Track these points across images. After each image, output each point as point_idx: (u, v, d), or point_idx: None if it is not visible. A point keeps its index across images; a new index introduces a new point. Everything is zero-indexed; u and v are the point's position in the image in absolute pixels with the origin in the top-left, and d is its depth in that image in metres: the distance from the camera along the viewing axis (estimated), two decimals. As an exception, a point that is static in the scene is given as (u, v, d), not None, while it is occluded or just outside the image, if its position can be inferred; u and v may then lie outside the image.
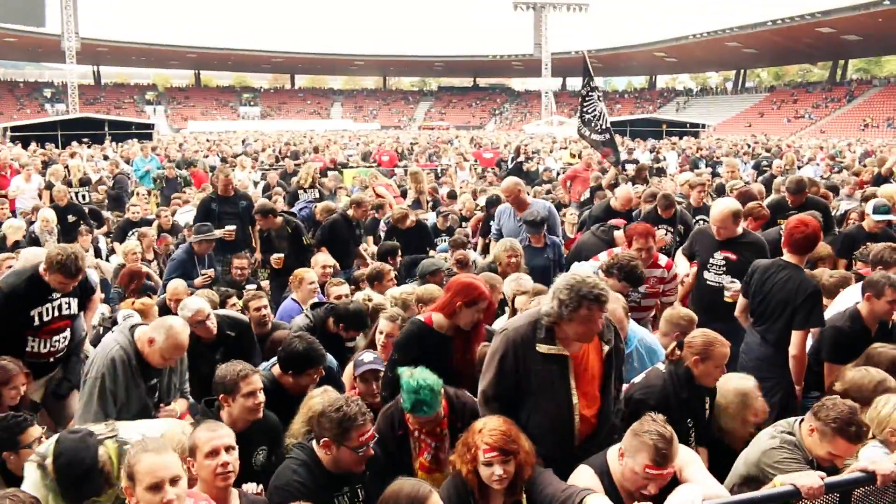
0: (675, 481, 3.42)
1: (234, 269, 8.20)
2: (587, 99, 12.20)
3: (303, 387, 4.51)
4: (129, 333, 4.61)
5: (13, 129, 34.35)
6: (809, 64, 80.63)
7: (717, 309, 6.12)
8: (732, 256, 6.41)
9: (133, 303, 6.95)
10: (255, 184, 17.39)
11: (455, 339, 4.51)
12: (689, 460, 3.50)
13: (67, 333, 5.56)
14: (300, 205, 10.73)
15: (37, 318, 5.22)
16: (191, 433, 3.48)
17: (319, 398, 4.13)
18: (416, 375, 3.74)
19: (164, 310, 7.14)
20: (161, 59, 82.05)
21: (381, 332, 5.19)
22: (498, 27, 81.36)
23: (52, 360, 5.47)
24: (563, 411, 3.67)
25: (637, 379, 4.33)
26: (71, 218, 10.86)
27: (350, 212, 9.14)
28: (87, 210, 11.66)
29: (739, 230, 6.50)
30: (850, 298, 5.61)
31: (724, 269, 6.42)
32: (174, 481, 2.92)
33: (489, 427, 3.37)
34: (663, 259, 6.53)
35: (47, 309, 5.32)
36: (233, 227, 8.89)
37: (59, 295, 5.37)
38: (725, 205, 6.52)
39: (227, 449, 3.38)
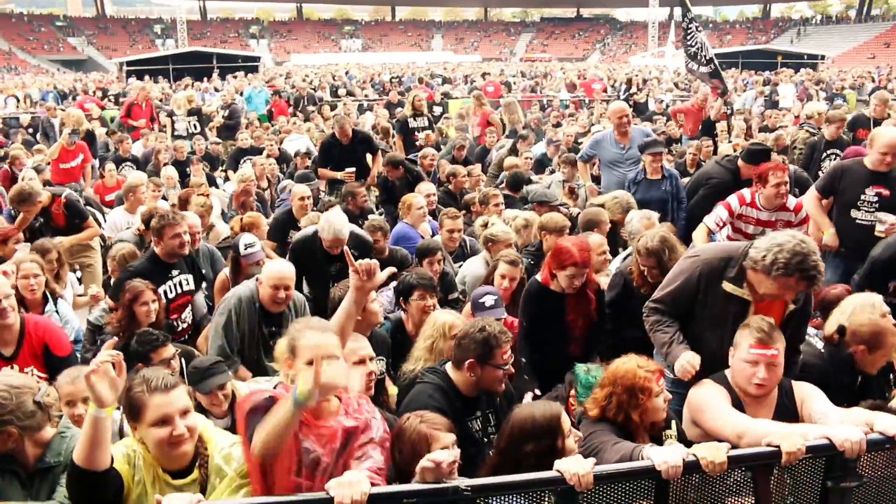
0: (795, 416, 3.43)
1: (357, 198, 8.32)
2: (688, 31, 11.77)
3: None
4: (255, 283, 5.01)
5: (128, 63, 35.51)
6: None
7: (866, 248, 5.77)
8: (885, 192, 6.06)
9: (241, 218, 7.23)
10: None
11: (569, 298, 4.77)
12: (809, 394, 3.48)
13: (189, 312, 5.86)
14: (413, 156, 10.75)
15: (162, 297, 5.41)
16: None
17: (441, 319, 4.20)
18: (592, 372, 3.92)
19: (283, 220, 7.44)
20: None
21: (502, 276, 5.32)
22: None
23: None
24: (724, 351, 3.63)
25: None
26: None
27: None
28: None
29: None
30: None
31: (877, 205, 6.10)
32: (332, 357, 2.89)
33: (639, 363, 3.38)
34: (792, 202, 6.25)
35: (170, 287, 5.60)
36: (352, 170, 9.19)
37: (177, 272, 5.67)
38: (894, 133, 6.11)
39: (372, 359, 3.48)
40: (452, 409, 3.58)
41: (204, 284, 6.20)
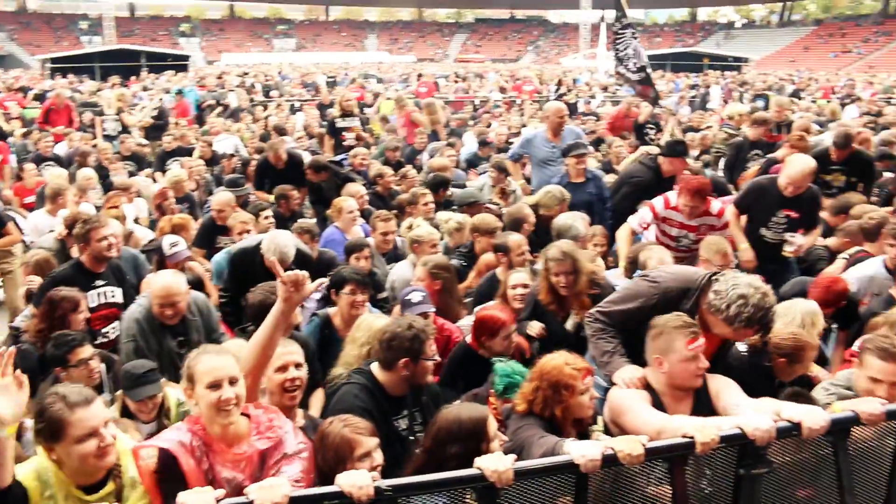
0: (711, 410, 3.50)
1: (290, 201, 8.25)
2: (619, 35, 11.84)
3: None
4: (149, 300, 4.82)
5: (52, 60, 34.48)
6: (861, -5, 77.66)
7: (770, 265, 6.07)
8: (794, 214, 6.27)
9: (171, 219, 7.09)
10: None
11: None
12: (723, 386, 3.58)
13: (116, 325, 5.53)
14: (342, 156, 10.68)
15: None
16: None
17: (371, 322, 4.21)
18: (510, 363, 3.97)
19: (209, 225, 7.31)
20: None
21: (513, 287, 5.18)
22: (536, -43, 79.20)
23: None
24: None
25: None
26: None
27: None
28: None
29: None
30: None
31: (785, 226, 6.29)
32: (232, 381, 2.97)
33: (567, 360, 3.44)
34: (716, 205, 6.42)
35: (92, 296, 5.38)
36: None
37: (102, 283, 5.49)
38: (805, 163, 6.26)
39: (297, 365, 3.47)
40: (379, 408, 3.62)
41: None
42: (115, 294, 5.59)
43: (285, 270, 4.05)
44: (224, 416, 2.93)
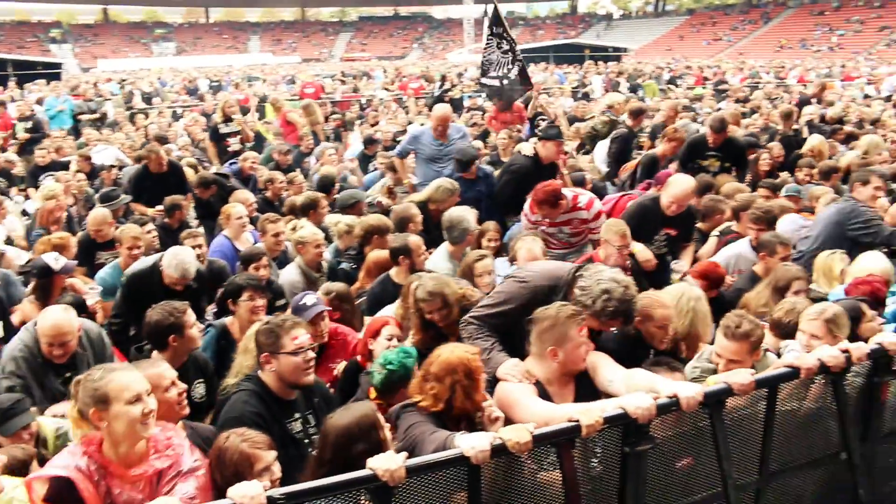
0: (592, 386, 3.68)
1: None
2: (488, 43, 11.94)
3: None
4: (34, 329, 4.48)
5: None
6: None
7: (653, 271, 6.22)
8: (673, 232, 6.43)
9: (49, 239, 6.79)
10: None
11: None
12: (598, 362, 3.74)
13: None
14: (227, 166, 10.44)
15: None
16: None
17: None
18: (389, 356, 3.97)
19: (87, 242, 7.03)
20: (65, -7, 77.59)
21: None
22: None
23: None
24: None
25: None
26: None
27: None
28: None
29: None
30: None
31: (666, 244, 6.45)
32: (149, 393, 2.98)
33: (468, 352, 3.50)
34: (584, 199, 6.59)
35: None
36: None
37: None
38: (689, 184, 6.44)
39: (174, 383, 3.42)
40: (270, 412, 3.61)
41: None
42: None
43: (185, 287, 3.95)
44: (146, 429, 2.93)
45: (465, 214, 6.28)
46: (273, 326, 3.71)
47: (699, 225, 7.00)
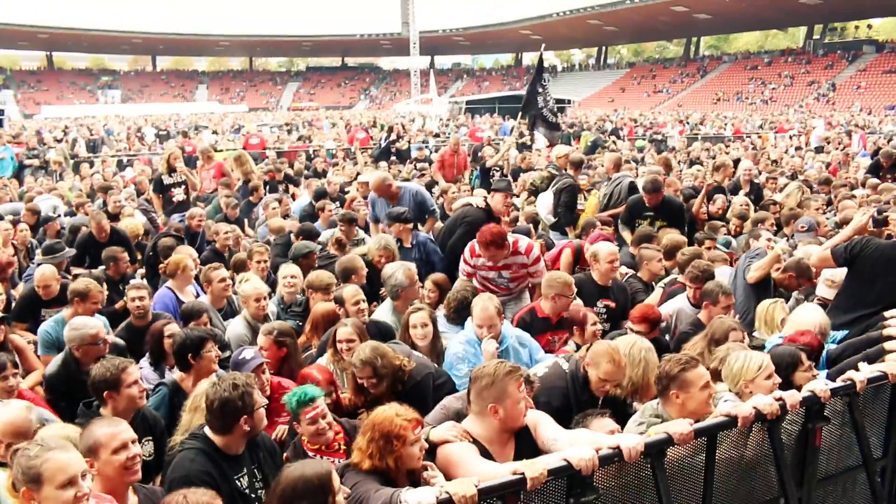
0: (532, 444, 3.70)
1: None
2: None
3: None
4: None
5: None
6: (666, 41, 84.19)
7: None
8: (612, 304, 6.50)
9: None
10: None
11: None
12: (538, 419, 3.78)
13: None
14: (177, 217, 10.34)
15: None
16: (85, 433, 3.39)
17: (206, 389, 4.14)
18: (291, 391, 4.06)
19: (32, 299, 6.85)
20: (9, 39, 76.38)
21: (340, 341, 5.16)
22: (366, 5, 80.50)
23: None
24: None
25: (538, 372, 4.52)
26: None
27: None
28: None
29: None
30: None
31: (606, 316, 6.47)
32: (84, 476, 2.90)
33: (398, 411, 3.50)
34: (523, 244, 6.71)
35: None
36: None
37: None
38: (609, 251, 6.57)
39: (133, 442, 3.37)
40: (218, 469, 3.58)
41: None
42: None
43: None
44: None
45: (395, 270, 6.32)
46: (245, 389, 3.71)
47: (639, 274, 7.19)
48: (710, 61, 71.72)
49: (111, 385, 4.15)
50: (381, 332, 5.53)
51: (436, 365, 5.10)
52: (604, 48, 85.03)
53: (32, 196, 12.25)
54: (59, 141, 23.30)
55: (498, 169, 13.66)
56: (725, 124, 31.17)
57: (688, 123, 31.14)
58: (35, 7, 73.29)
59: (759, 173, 12.74)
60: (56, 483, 2.85)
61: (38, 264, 7.66)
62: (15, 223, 10.28)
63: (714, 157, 16.40)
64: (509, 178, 12.32)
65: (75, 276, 8.05)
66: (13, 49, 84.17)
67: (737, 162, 12.89)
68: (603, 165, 12.82)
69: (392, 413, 3.48)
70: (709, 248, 7.72)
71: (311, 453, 3.99)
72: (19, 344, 5.89)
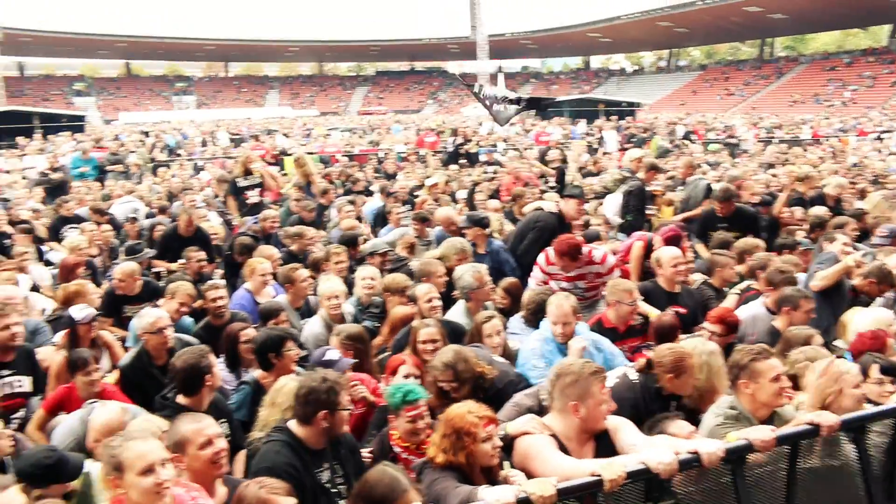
0: (612, 448, 3.69)
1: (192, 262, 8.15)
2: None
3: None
4: (87, 419, 4.48)
5: (-63, 124, 32.93)
6: (739, 42, 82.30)
7: None
8: (683, 310, 6.25)
9: (66, 287, 6.89)
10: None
11: None
12: (619, 425, 3.77)
13: (22, 414, 5.32)
14: (251, 219, 10.56)
15: None
16: (172, 429, 3.51)
17: (291, 384, 4.24)
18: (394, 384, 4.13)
19: (114, 296, 7.11)
20: (89, 48, 79.43)
21: (424, 341, 5.18)
22: (434, 10, 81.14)
23: None
24: None
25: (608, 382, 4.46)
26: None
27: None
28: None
29: None
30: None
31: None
32: (164, 463, 3.01)
33: (470, 408, 3.53)
34: (598, 253, 6.71)
35: None
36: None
37: (9, 373, 5.27)
38: (674, 253, 6.47)
39: (219, 437, 3.47)
40: (301, 462, 3.67)
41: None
42: (23, 383, 5.38)
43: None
44: (160, 499, 2.99)
45: (464, 272, 6.35)
46: (333, 385, 3.79)
47: (711, 280, 7.04)
48: (785, 62, 69.79)
49: (206, 370, 4.34)
50: (452, 333, 5.55)
51: (517, 372, 5.09)
52: (674, 50, 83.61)
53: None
54: (141, 144, 24.03)
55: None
56: (802, 127, 30.31)
57: (762, 127, 30.35)
58: (114, 17, 76.51)
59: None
60: (136, 470, 3.00)
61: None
62: (132, 221, 10.73)
63: (785, 163, 16.01)
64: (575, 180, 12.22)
65: (158, 274, 8.37)
66: (94, 58, 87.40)
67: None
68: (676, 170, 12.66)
69: (464, 410, 3.52)
70: (790, 253, 7.49)
71: (398, 448, 4.05)
72: (108, 340, 6.13)
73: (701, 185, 9.86)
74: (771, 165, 15.94)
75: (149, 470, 3.01)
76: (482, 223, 7.91)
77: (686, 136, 25.57)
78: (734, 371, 4.06)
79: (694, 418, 4.39)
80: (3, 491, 2.79)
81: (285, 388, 4.39)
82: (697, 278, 7.08)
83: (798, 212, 9.32)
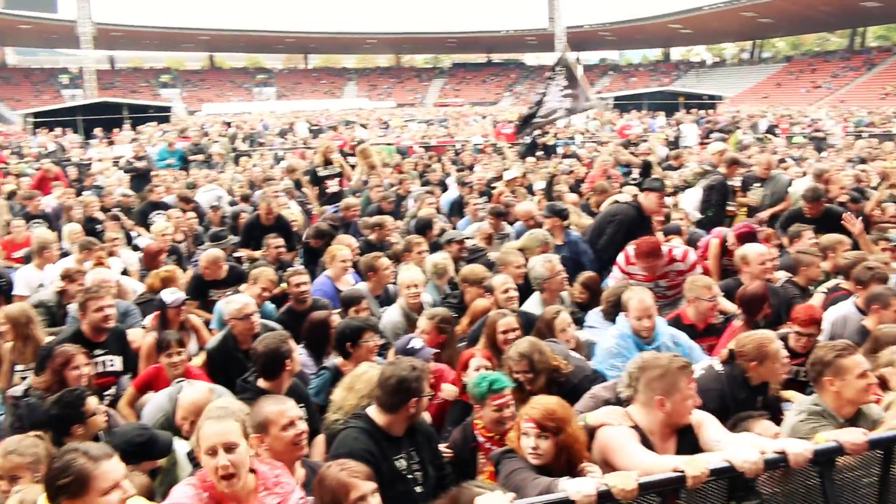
0: (695, 443, 3.63)
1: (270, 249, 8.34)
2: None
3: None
4: (175, 397, 4.67)
5: (35, 115, 34.43)
6: (827, 32, 79.37)
7: None
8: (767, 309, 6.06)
9: (158, 273, 7.16)
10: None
11: None
12: (704, 420, 3.70)
13: (113, 391, 5.63)
14: (331, 208, 10.73)
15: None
16: (255, 410, 3.60)
17: (372, 372, 4.31)
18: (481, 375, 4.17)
19: (199, 281, 7.35)
20: (174, 42, 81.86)
21: (504, 331, 5.21)
22: (512, 1, 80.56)
23: None
24: None
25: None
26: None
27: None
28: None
29: None
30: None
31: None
32: (230, 448, 3.04)
33: (538, 402, 3.55)
34: (679, 251, 6.64)
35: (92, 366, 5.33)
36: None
37: (102, 352, 5.54)
38: (761, 250, 6.38)
39: (300, 419, 3.57)
40: (379, 448, 3.74)
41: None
42: (115, 363, 5.66)
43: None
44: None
45: (536, 263, 6.34)
46: (421, 372, 3.88)
47: (795, 279, 6.84)
48: (878, 53, 66.92)
49: (285, 355, 4.44)
50: (528, 324, 5.54)
51: (593, 367, 5.06)
52: (758, 41, 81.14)
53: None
54: (223, 135, 24.65)
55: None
56: (894, 121, 29.10)
57: (851, 120, 29.27)
58: (199, 12, 78.86)
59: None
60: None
61: (205, 250, 8.21)
62: (215, 208, 11.10)
63: (875, 158, 15.40)
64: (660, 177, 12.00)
65: (238, 259, 8.60)
66: (179, 51, 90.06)
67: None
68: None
69: (552, 402, 3.52)
70: (883, 250, 7.20)
71: (481, 438, 4.08)
72: (195, 323, 6.35)
73: (783, 180, 9.59)
74: (862, 160, 15.35)
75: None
76: (562, 214, 7.87)
77: (769, 130, 24.85)
78: (817, 368, 3.95)
79: (779, 413, 4.31)
80: (108, 458, 2.89)
81: (365, 375, 4.47)
82: (780, 276, 6.90)
83: (891, 208, 8.96)
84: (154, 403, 4.93)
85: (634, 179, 12.73)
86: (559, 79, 12.57)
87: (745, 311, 5.49)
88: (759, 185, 10.01)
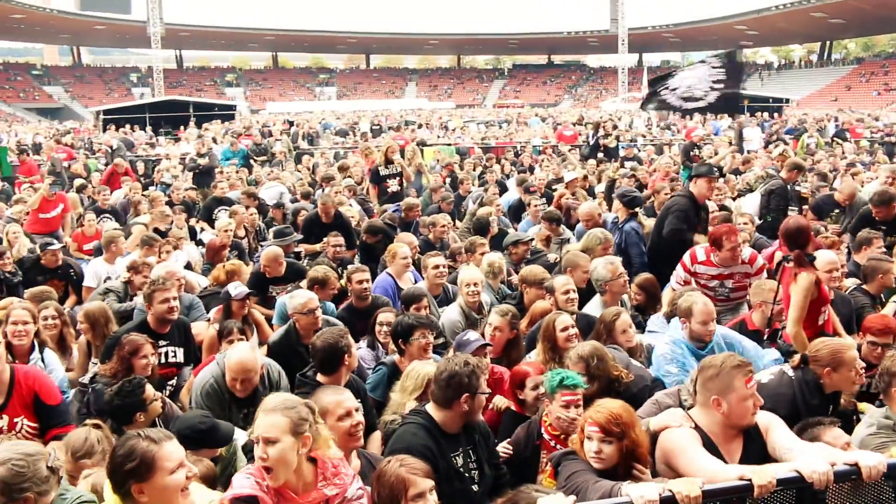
0: (762, 446, 3.54)
1: (331, 246, 8.45)
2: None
3: None
4: (223, 362, 4.78)
5: (105, 112, 35.46)
6: (901, 34, 76.93)
7: None
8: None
9: (224, 266, 7.30)
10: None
11: None
12: (773, 422, 3.61)
13: (174, 382, 5.77)
14: (391, 207, 10.82)
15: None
16: (312, 400, 3.65)
17: (420, 369, 4.33)
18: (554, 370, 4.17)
19: (260, 277, 7.47)
20: (240, 42, 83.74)
21: (490, 325, 5.41)
22: (573, 2, 79.98)
23: None
24: None
25: (762, 379, 4.24)
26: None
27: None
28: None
29: None
30: None
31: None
32: (270, 442, 3.08)
33: (602, 405, 3.49)
34: (746, 253, 6.49)
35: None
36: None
37: (165, 343, 5.67)
38: (831, 257, 6.10)
39: (357, 410, 3.60)
40: (437, 445, 3.74)
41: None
42: (177, 354, 5.80)
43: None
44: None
45: (598, 264, 6.27)
46: (475, 368, 3.86)
47: (865, 286, 6.62)
48: (955, 55, 64.66)
49: (344, 351, 4.46)
50: (588, 326, 5.49)
51: (653, 375, 4.99)
52: (828, 43, 78.99)
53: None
54: (286, 133, 25.03)
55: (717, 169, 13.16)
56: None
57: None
58: (263, 12, 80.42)
59: None
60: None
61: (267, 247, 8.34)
62: (278, 206, 11.32)
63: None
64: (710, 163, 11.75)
65: (297, 255, 8.72)
66: (244, 51, 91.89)
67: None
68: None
69: (615, 405, 3.48)
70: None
71: (547, 436, 4.07)
72: (257, 318, 6.46)
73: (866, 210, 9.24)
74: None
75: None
76: (634, 202, 7.82)
77: (838, 135, 24.17)
78: (885, 378, 3.83)
79: (850, 424, 4.19)
80: (169, 439, 2.97)
81: (413, 371, 4.53)
82: (849, 284, 6.70)
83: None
84: (205, 370, 5.04)
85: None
86: (718, 69, 12.13)
87: (790, 245, 5.30)
88: (837, 210, 9.64)
